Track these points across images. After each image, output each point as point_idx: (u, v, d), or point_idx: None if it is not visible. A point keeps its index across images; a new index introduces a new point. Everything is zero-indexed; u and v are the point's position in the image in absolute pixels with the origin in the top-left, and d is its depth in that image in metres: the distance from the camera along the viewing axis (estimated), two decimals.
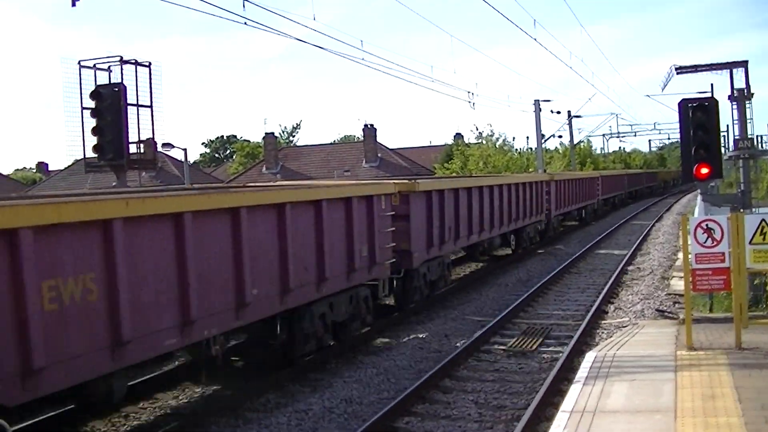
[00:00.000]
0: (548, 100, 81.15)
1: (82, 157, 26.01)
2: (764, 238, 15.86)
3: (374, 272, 21.39)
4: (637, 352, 16.54)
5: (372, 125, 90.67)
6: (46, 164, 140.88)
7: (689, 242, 16.34)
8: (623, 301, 25.99)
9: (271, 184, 28.26)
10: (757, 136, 44.36)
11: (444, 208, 27.81)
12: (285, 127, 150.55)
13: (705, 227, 16.12)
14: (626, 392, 13.26)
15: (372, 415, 14.89)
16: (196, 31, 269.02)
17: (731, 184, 49.87)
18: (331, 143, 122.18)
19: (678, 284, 26.07)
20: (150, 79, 25.30)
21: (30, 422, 13.73)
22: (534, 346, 20.46)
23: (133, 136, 25.20)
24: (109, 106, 24.22)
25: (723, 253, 16.00)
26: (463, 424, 14.72)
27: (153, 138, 26.70)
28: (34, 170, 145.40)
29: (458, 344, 20.84)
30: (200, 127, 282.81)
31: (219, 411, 15.47)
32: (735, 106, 31.60)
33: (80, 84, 24.64)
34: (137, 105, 25.02)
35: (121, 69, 24.75)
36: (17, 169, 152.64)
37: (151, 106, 25.45)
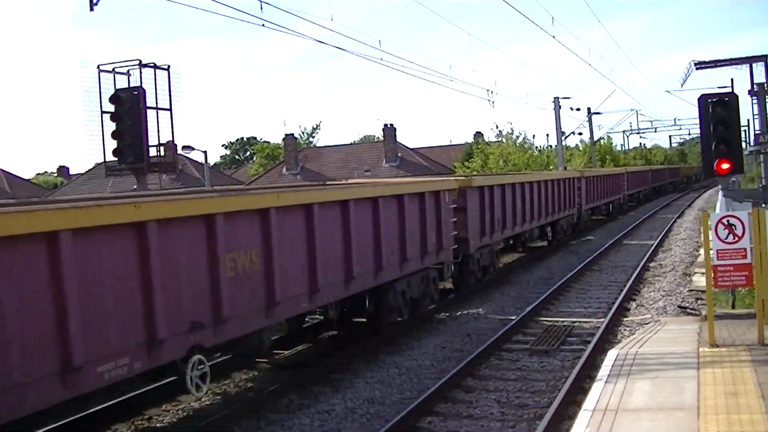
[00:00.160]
0: (568, 98, 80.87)
1: (103, 160, 26.10)
2: None
3: (441, 256, 24.67)
4: (659, 349, 16.48)
5: (392, 125, 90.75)
6: (67, 168, 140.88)
7: (710, 238, 16.29)
8: (645, 298, 25.93)
9: (363, 181, 33.91)
10: None
11: (493, 201, 31.20)
12: (305, 128, 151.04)
13: (726, 223, 16.07)
14: (649, 390, 13.21)
15: (394, 416, 14.88)
16: (215, 34, 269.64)
17: (752, 179, 49.76)
18: (351, 143, 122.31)
19: (700, 281, 25.98)
20: (169, 82, 25.39)
21: (56, 425, 13.79)
22: (556, 344, 20.46)
23: (152, 139, 25.30)
24: (128, 109, 24.30)
25: (744, 249, 15.95)
26: (485, 423, 14.70)
27: (173, 141, 26.79)
28: (56, 174, 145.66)
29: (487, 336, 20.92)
30: (220, 129, 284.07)
31: (241, 412, 15.49)
32: (755, 101, 31.50)
33: (100, 88, 24.74)
34: (157, 108, 25.10)
35: (140, 72, 24.84)
36: (39, 173, 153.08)
37: (170, 109, 25.52)
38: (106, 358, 11.43)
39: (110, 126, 24.69)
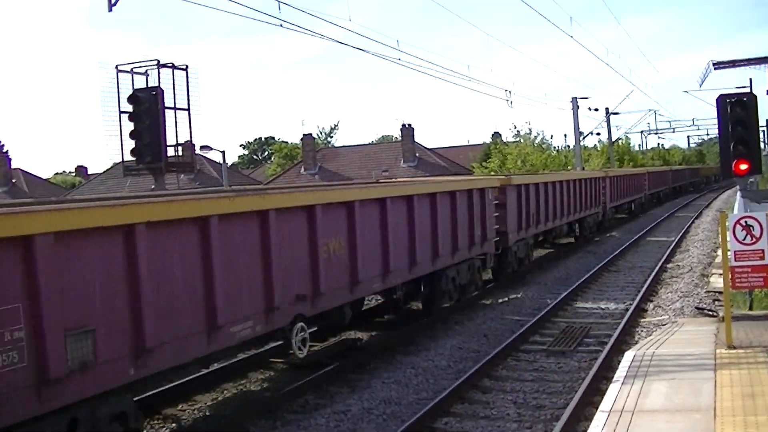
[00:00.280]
0: (586, 98, 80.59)
1: (121, 160, 26.15)
2: None
3: (485, 247, 27.28)
4: (676, 350, 16.43)
5: (410, 125, 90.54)
6: (86, 168, 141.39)
7: (728, 239, 16.24)
8: (663, 299, 25.88)
9: (411, 179, 36.34)
10: None
11: (529, 199, 33.72)
12: (323, 128, 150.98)
13: (744, 224, 16.03)
14: (665, 391, 13.19)
15: (411, 416, 14.90)
16: (233, 34, 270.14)
17: None
18: (369, 143, 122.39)
19: (717, 282, 25.91)
20: (187, 82, 25.44)
21: None
22: (573, 345, 20.46)
23: (171, 139, 25.37)
24: (146, 109, 24.37)
25: (762, 251, 15.92)
26: (502, 424, 14.70)
27: (191, 140, 26.86)
28: (74, 174, 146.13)
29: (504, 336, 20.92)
30: (238, 129, 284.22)
31: (257, 412, 15.51)
32: None
33: (118, 88, 24.82)
34: (175, 108, 25.15)
35: (158, 72, 24.90)
36: (57, 173, 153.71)
37: (188, 109, 25.57)
38: (237, 321, 14.18)
39: (128, 126, 24.77)
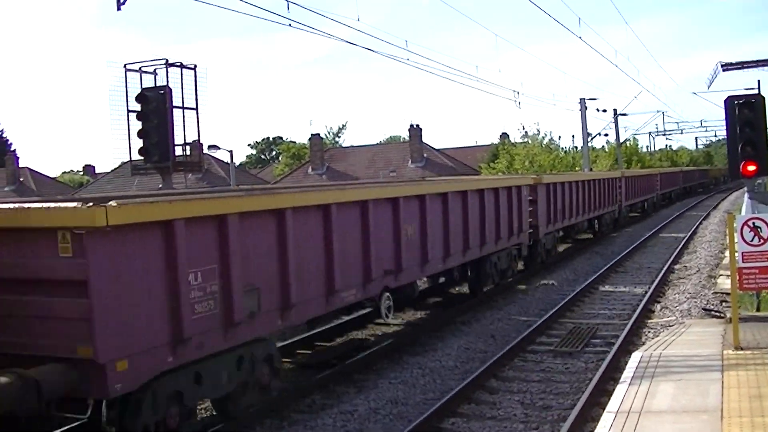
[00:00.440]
0: (594, 99, 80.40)
1: (128, 159, 26.14)
2: None
3: (520, 238, 30.78)
4: (683, 351, 16.43)
5: (417, 125, 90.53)
6: (93, 167, 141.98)
7: (736, 241, 16.23)
8: (670, 300, 25.86)
9: (461, 178, 39.13)
10: None
11: (556, 196, 37.39)
12: (331, 128, 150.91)
13: (752, 225, 16.04)
14: (672, 392, 13.18)
15: (417, 416, 14.89)
16: (241, 34, 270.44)
17: None
18: (376, 144, 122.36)
19: (725, 283, 25.91)
20: (195, 81, 25.38)
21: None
22: (580, 346, 20.45)
23: (178, 139, 25.29)
24: (154, 108, 24.33)
25: None
26: (508, 424, 14.70)
27: (199, 140, 26.83)
28: (81, 173, 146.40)
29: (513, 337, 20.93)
30: (246, 129, 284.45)
31: (264, 412, 15.49)
32: None
33: (126, 87, 24.78)
34: (183, 107, 25.10)
35: (167, 72, 24.85)
36: (64, 172, 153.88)
37: (196, 109, 25.52)
38: (346, 288, 17.75)
39: (136, 125, 24.73)
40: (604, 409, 13.12)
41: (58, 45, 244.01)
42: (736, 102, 21.41)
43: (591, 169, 67.78)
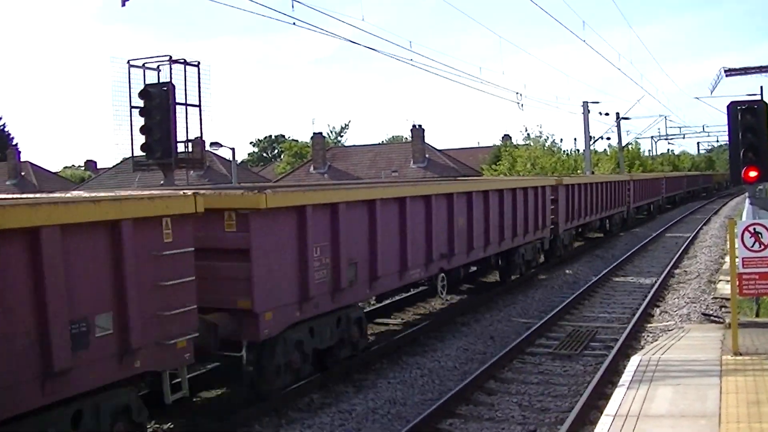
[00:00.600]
0: (597, 102, 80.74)
1: (131, 155, 26.15)
2: None
3: (543, 233, 34.28)
4: (682, 356, 16.44)
5: (420, 126, 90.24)
6: (95, 162, 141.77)
7: (736, 246, 16.23)
8: (669, 304, 25.87)
9: (498, 179, 45.91)
10: None
11: (574, 196, 40.84)
12: (333, 127, 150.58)
13: (752, 231, 16.04)
14: (671, 397, 13.19)
15: (416, 417, 14.91)
16: (246, 32, 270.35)
17: None
18: (379, 143, 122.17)
19: (725, 288, 25.92)
20: (199, 78, 25.44)
21: None
22: (578, 349, 20.47)
23: (181, 135, 25.35)
24: (157, 105, 24.37)
25: None
26: (506, 426, 14.73)
27: (201, 137, 26.84)
28: (83, 168, 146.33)
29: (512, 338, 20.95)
30: (248, 127, 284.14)
31: (262, 410, 15.50)
32: None
33: (129, 83, 24.83)
34: (186, 104, 25.14)
35: (170, 68, 24.89)
36: (66, 167, 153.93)
37: (199, 106, 25.57)
38: (414, 267, 21.43)
39: (139, 121, 24.77)
40: (602, 412, 13.13)
41: (62, 40, 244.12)
42: (738, 107, 21.43)
43: (593, 172, 67.81)
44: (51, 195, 14.50)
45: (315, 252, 16.62)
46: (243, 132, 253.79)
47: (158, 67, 24.94)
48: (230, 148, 56.90)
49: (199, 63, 25.40)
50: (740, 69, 36.61)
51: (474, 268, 30.37)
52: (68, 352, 10.74)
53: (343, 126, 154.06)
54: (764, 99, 30.48)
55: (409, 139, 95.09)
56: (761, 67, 35.38)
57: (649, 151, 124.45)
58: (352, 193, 18.64)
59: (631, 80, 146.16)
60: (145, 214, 12.17)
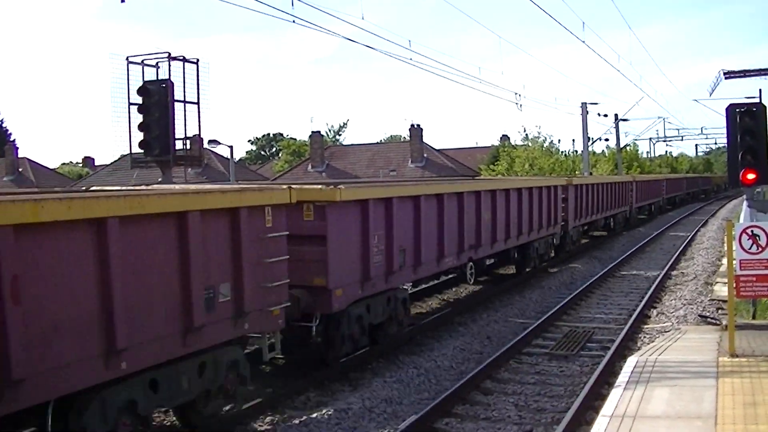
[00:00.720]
0: (595, 103, 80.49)
1: (129, 152, 26.10)
2: None
3: (555, 229, 37.28)
4: (678, 357, 16.44)
5: (418, 125, 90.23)
6: (93, 159, 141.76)
7: (734, 248, 16.24)
8: (666, 306, 25.89)
9: (518, 178, 49.64)
10: None
11: (582, 196, 43.60)
12: (332, 126, 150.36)
13: (750, 233, 16.05)
14: (667, 398, 13.20)
15: (412, 416, 14.89)
16: (245, 29, 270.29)
17: None
18: (377, 143, 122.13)
19: (722, 290, 25.92)
20: (197, 75, 25.33)
21: None
22: (575, 350, 20.48)
23: (179, 133, 25.22)
24: (156, 102, 24.29)
25: (767, 260, 15.91)
26: (502, 426, 14.74)
27: (199, 135, 26.78)
28: (81, 165, 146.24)
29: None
30: (247, 125, 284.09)
31: (259, 408, 15.50)
32: None
33: (128, 80, 24.71)
34: (184, 101, 25.05)
35: (169, 65, 24.79)
36: (64, 163, 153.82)
37: (198, 103, 25.46)
38: (449, 255, 24.29)
39: (137, 118, 24.69)
40: (598, 412, 13.15)
41: (61, 37, 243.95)
42: (737, 110, 21.41)
43: (591, 173, 67.88)
44: (189, 186, 20.21)
45: (374, 239, 19.47)
46: (241, 130, 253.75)
47: (157, 64, 24.85)
48: (228, 146, 56.95)
49: (197, 60, 25.32)
50: (739, 71, 36.64)
51: (492, 261, 32.48)
52: (203, 313, 13.23)
53: (342, 125, 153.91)
54: (763, 102, 30.42)
55: (408, 138, 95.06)
56: (760, 69, 35.42)
57: (647, 152, 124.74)
58: (402, 189, 21.97)
59: (630, 82, 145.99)
60: (255, 203, 14.73)
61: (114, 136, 25.30)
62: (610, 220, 54.59)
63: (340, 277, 17.89)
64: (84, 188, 22.24)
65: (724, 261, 24.61)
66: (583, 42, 43.69)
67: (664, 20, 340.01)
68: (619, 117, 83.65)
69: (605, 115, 79.30)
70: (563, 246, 40.33)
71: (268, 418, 15.29)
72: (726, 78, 38.37)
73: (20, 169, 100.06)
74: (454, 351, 20.56)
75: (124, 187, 16.90)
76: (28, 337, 10.12)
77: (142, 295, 12.05)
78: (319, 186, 18.28)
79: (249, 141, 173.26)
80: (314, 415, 15.28)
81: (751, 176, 21.03)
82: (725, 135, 22.44)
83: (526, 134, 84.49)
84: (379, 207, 19.79)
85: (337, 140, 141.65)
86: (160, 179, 26.65)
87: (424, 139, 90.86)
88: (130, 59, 24.75)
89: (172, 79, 24.67)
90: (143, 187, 17.26)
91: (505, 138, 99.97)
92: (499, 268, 34.64)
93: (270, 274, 15.09)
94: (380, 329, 20.35)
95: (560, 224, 38.37)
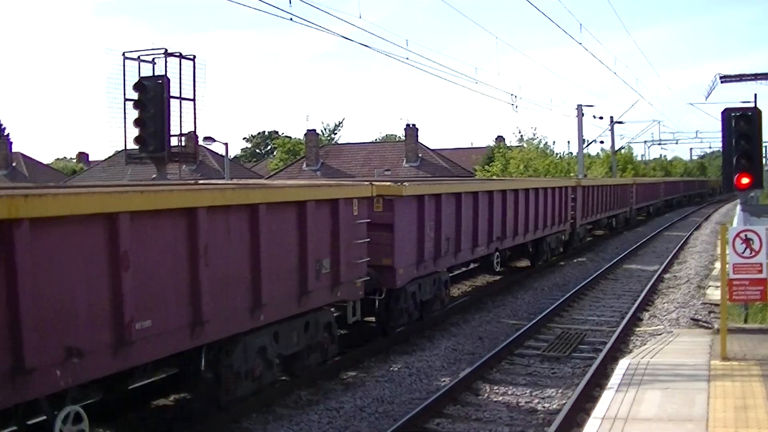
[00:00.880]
0: (591, 105, 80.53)
1: (124, 148, 26.09)
2: None
3: (564, 226, 40.50)
4: (670, 360, 16.48)
5: (414, 125, 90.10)
6: (87, 154, 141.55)
7: (727, 252, 16.26)
8: (658, 309, 25.91)
9: (536, 179, 50.42)
10: None
11: (588, 196, 47.23)
12: (327, 125, 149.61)
13: (744, 237, 16.08)
14: (659, 400, 13.22)
15: (403, 416, 14.89)
16: (242, 27, 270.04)
17: None
18: (372, 142, 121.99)
19: (714, 294, 25.96)
20: (194, 72, 25.34)
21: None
22: (567, 352, 20.48)
23: (174, 129, 25.22)
24: (152, 98, 24.27)
25: (761, 264, 15.96)
26: (494, 427, 14.71)
27: (195, 131, 26.77)
28: (75, 160, 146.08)
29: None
30: (242, 122, 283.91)
31: (250, 406, 15.49)
32: None
33: (124, 75, 24.72)
34: (180, 98, 25.05)
35: (165, 61, 24.79)
36: (58, 159, 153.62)
37: (194, 100, 25.47)
38: (481, 245, 27.62)
39: (133, 114, 24.68)
40: (589, 414, 13.16)
41: (58, 32, 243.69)
42: (732, 114, 21.41)
43: (585, 176, 67.95)
44: (291, 182, 25.54)
45: (428, 228, 22.84)
46: (237, 127, 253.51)
47: (153, 59, 24.83)
48: (223, 143, 56.78)
49: (194, 56, 25.32)
50: (735, 76, 36.73)
51: (509, 253, 34.43)
52: (314, 280, 16.71)
53: (337, 123, 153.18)
54: (758, 106, 30.49)
55: (403, 138, 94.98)
56: (756, 74, 35.48)
57: (642, 155, 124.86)
58: (448, 187, 25.74)
59: (627, 84, 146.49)
60: (347, 195, 18.33)
61: (109, 132, 25.29)
62: (612, 219, 58.27)
63: (402, 259, 21.26)
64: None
65: (717, 264, 24.63)
66: (580, 44, 43.71)
67: (661, 24, 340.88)
68: (615, 119, 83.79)
69: (601, 118, 79.73)
70: (571, 242, 43.85)
71: (260, 416, 15.27)
72: (722, 82, 38.44)
73: (14, 164, 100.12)
74: (446, 351, 20.51)
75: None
76: (212, 287, 13.45)
77: (277, 262, 15.40)
78: (389, 183, 21.63)
79: (244, 138, 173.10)
80: (306, 414, 15.28)
81: (745, 180, 21.05)
82: (720, 139, 22.47)
83: (521, 135, 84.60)
84: (432, 201, 23.29)
85: (333, 139, 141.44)
86: (154, 176, 26.64)
87: (420, 139, 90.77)
88: (127, 55, 24.74)
89: (168, 75, 24.66)
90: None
91: (500, 139, 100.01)
92: (515, 261, 37.47)
93: (356, 253, 18.64)
94: (427, 306, 23.51)
95: (570, 222, 41.96)
